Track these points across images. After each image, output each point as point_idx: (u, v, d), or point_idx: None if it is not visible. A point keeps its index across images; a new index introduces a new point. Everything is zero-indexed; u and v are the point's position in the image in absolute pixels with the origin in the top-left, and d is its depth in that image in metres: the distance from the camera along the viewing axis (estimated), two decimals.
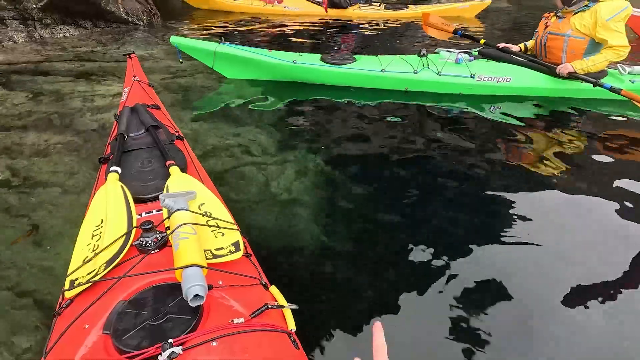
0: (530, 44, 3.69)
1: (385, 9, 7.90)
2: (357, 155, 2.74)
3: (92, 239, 1.09)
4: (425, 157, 2.75)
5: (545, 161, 2.65)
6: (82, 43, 5.21)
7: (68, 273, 1.01)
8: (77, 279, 0.96)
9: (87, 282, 0.93)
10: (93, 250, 1.03)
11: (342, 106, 3.49)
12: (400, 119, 3.29)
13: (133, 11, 6.08)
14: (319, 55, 3.70)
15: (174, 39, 3.56)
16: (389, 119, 3.30)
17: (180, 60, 3.70)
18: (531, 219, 2.06)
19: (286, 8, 7.65)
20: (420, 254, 1.81)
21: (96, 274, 0.94)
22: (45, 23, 5.29)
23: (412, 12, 7.83)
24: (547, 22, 3.42)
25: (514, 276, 1.68)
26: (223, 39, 3.65)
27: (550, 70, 3.43)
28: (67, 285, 0.97)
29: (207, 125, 3.03)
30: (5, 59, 4.41)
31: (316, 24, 7.10)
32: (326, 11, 7.50)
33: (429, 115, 3.42)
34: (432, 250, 1.82)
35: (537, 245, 1.86)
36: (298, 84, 3.78)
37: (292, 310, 0.94)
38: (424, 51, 3.63)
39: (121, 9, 5.88)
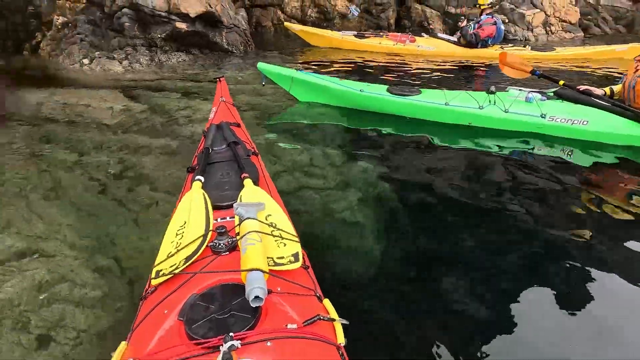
0: (617, 88, 3.45)
1: (531, 50, 6.89)
2: (416, 185, 2.82)
3: (175, 237, 1.25)
4: (486, 195, 2.71)
5: (626, 214, 2.42)
6: (189, 66, 6.22)
7: (155, 264, 1.18)
8: (161, 270, 1.12)
9: (169, 273, 1.08)
10: (176, 247, 1.19)
11: (405, 136, 3.64)
12: (462, 154, 3.31)
13: (233, 42, 7.06)
14: (385, 87, 3.94)
15: (260, 65, 4.13)
16: (450, 153, 3.34)
17: (263, 84, 4.24)
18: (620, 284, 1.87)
19: (420, 47, 7.07)
20: (473, 297, 1.78)
21: (176, 268, 1.08)
22: (164, 50, 6.45)
23: (562, 54, 6.87)
24: (637, 66, 3.21)
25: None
26: (301, 67, 4.12)
27: (637, 115, 3.18)
28: (153, 274, 1.13)
29: (279, 142, 3.41)
30: (133, 77, 5.50)
31: (447, 64, 6.53)
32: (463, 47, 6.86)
33: (493, 153, 3.37)
34: (489, 295, 1.80)
35: None
36: (364, 112, 4.05)
37: (343, 325, 0.95)
38: (492, 88, 3.64)
39: (224, 40, 6.89)
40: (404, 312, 1.70)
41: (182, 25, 6.08)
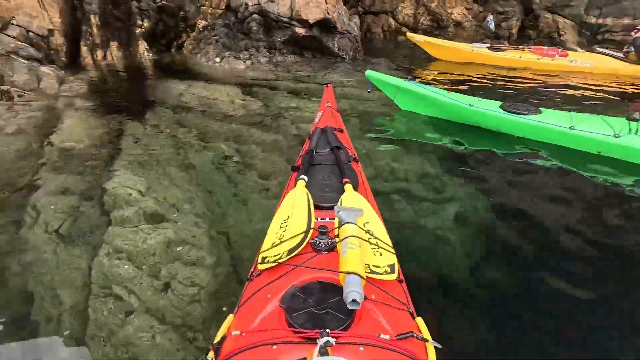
0: None
1: None
2: (521, 211, 2.58)
3: (279, 229, 1.34)
4: (604, 234, 2.36)
5: None
6: (301, 68, 6.69)
7: (261, 251, 1.28)
8: (266, 257, 1.21)
9: (274, 262, 1.16)
10: (279, 238, 1.27)
11: (515, 158, 3.34)
12: (583, 186, 2.90)
13: (343, 47, 7.36)
14: (499, 102, 3.68)
15: (368, 73, 4.24)
16: (570, 183, 2.94)
17: (369, 91, 4.33)
18: None
19: (573, 63, 5.90)
20: (571, 334, 1.64)
21: (280, 258, 1.16)
22: (281, 52, 7.06)
23: None
24: None
25: None
26: (409, 77, 4.10)
27: None
28: (259, 259, 1.23)
29: (379, 150, 3.47)
30: (253, 75, 6.17)
31: (609, 84, 5.38)
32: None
33: (622, 190, 2.88)
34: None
35: None
36: (472, 127, 3.84)
37: (436, 348, 0.93)
38: (636, 115, 3.12)
39: (335, 46, 7.23)
40: (497, 340, 1.62)
41: (300, 30, 6.58)
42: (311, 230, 1.25)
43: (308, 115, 4.33)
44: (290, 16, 6.53)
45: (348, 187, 1.57)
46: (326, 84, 3.28)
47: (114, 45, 7.61)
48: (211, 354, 0.90)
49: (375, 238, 1.26)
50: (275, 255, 1.19)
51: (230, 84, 5.53)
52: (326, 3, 6.80)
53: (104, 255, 2.16)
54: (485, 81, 5.67)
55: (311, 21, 6.55)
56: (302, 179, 1.63)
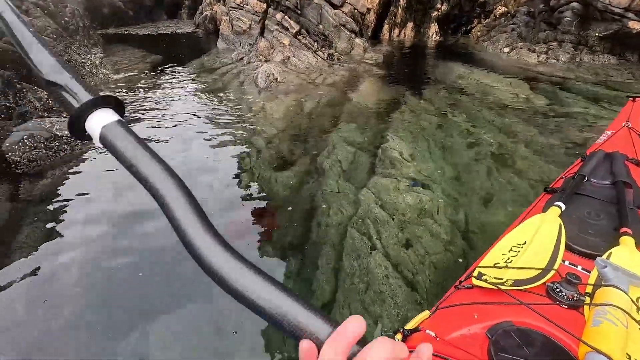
0: None
1: None
2: None
3: (508, 251, 1.15)
4: None
5: None
6: (615, 72, 5.29)
7: (480, 265, 1.14)
8: (484, 275, 1.06)
9: (493, 285, 0.99)
10: (506, 262, 1.10)
11: None
12: None
13: None
14: None
15: None
16: None
17: None
18: None
19: None
20: None
21: (502, 284, 1.00)
22: (593, 50, 5.77)
23: None
24: None
25: None
26: None
27: None
28: (475, 273, 1.08)
29: None
30: (544, 70, 5.40)
31: None
32: None
33: None
34: None
35: None
36: None
37: None
38: None
39: None
40: None
41: (636, 25, 5.11)
42: (552, 272, 1.02)
43: (598, 130, 3.47)
44: (627, 6, 5.15)
45: (627, 240, 1.18)
46: (632, 96, 2.48)
47: (409, 25, 8.41)
48: (398, 336, 0.87)
49: None
50: (496, 278, 1.04)
51: (514, 76, 5.08)
52: None
53: (367, 194, 2.58)
54: None
55: None
56: (558, 206, 1.33)
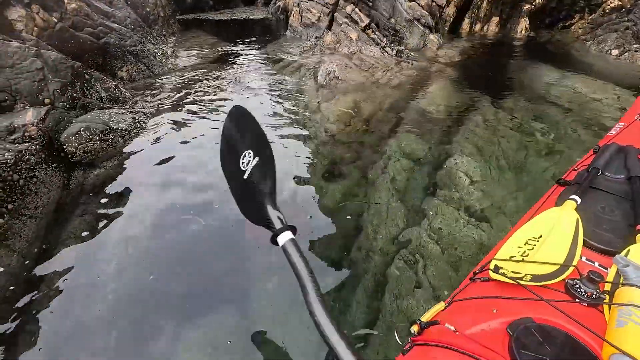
0: None
1: None
2: None
3: (524, 245, 1.13)
4: None
5: None
6: None
7: (495, 257, 1.11)
8: (501, 269, 1.04)
9: (511, 279, 0.99)
10: (522, 255, 1.08)
11: None
12: None
13: None
14: None
15: None
16: None
17: None
18: None
19: None
20: None
21: (520, 279, 0.99)
22: None
23: None
24: None
25: None
26: None
27: None
28: (492, 266, 1.06)
29: None
30: None
31: None
32: None
33: None
34: None
35: None
36: None
37: None
38: None
39: None
40: None
41: None
42: (571, 268, 1.02)
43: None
44: None
45: None
46: None
47: (494, 20, 7.50)
48: (415, 327, 0.91)
49: None
50: (514, 272, 1.02)
51: (625, 85, 4.19)
52: None
53: (421, 223, 2.24)
54: None
55: None
56: (574, 199, 1.33)
